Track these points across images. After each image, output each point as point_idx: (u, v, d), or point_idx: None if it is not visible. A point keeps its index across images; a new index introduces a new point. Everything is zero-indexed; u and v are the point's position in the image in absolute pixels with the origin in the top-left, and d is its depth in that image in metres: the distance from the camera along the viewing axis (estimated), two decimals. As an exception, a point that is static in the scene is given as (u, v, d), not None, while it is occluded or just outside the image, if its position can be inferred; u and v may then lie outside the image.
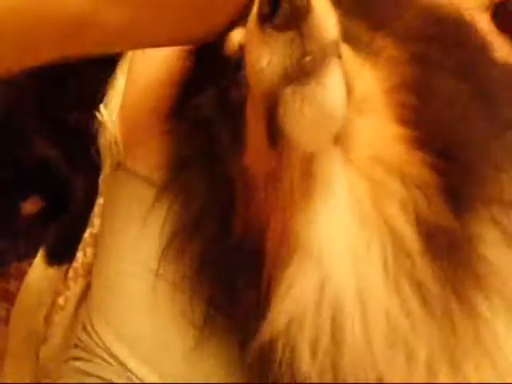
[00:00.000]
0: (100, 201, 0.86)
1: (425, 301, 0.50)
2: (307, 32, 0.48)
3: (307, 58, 0.48)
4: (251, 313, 0.54)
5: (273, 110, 0.50)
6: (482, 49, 0.60)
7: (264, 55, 0.49)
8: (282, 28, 0.47)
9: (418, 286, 0.50)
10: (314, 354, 0.51)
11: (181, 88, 0.66)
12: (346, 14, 0.53)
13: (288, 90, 0.49)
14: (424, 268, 0.50)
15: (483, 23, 0.71)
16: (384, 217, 0.52)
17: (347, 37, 0.53)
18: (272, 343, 0.52)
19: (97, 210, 0.86)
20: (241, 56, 0.55)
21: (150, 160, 0.70)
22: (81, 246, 0.89)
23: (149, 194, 0.66)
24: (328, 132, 0.52)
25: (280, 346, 0.51)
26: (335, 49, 0.50)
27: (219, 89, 0.58)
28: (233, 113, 0.57)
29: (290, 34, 0.48)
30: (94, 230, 0.86)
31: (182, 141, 0.64)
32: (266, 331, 0.52)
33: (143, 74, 0.77)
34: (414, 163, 0.53)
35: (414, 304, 0.50)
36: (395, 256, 0.51)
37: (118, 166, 0.75)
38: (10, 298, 1.03)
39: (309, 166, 0.53)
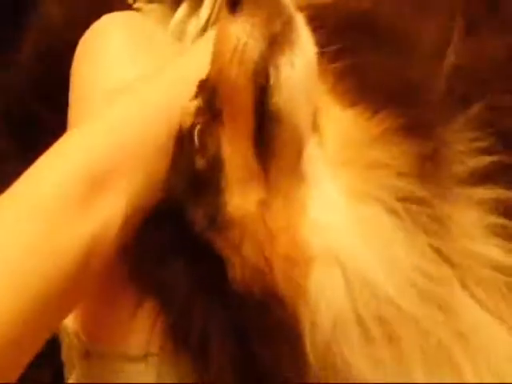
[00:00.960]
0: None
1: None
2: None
3: (278, 26, 0.50)
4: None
5: (264, 89, 0.52)
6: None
7: (241, 38, 0.51)
8: (252, 10, 0.50)
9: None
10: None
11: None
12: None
13: (277, 59, 0.51)
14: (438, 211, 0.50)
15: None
16: (381, 185, 0.52)
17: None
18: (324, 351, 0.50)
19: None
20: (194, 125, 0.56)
21: (122, 334, 0.67)
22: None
23: (129, 367, 0.66)
24: (311, 102, 0.54)
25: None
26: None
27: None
28: (204, 184, 0.56)
29: (259, 13, 0.50)
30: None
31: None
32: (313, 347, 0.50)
33: None
34: (379, 125, 0.54)
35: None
36: (408, 213, 0.50)
37: (87, 354, 0.71)
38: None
39: (297, 169, 0.54)
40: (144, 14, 0.96)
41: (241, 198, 0.54)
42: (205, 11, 0.96)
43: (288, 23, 0.52)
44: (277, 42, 0.51)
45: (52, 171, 0.57)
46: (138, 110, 0.63)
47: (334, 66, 0.57)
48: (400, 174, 0.52)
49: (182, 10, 0.98)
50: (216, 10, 0.95)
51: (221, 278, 0.54)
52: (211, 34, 0.64)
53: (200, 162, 0.56)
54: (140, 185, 0.60)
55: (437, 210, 0.50)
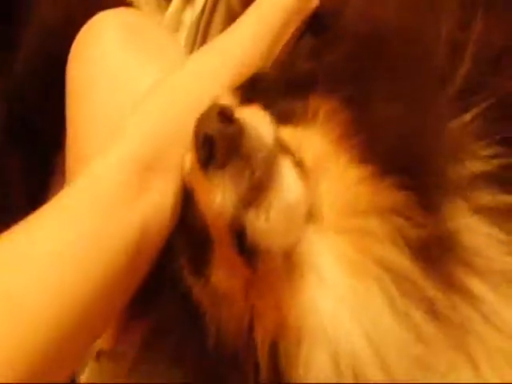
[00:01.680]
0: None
1: (439, 320, 0.50)
2: (248, 152, 0.49)
3: (257, 174, 0.49)
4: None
5: (241, 235, 0.51)
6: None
7: (216, 194, 0.50)
8: (224, 164, 0.49)
9: (428, 307, 0.50)
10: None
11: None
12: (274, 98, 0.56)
13: (251, 214, 0.50)
14: (428, 286, 0.50)
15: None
16: (375, 258, 0.51)
17: (283, 117, 0.55)
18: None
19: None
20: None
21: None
22: None
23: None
24: (297, 223, 0.53)
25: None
26: (278, 147, 0.51)
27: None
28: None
29: (233, 165, 0.49)
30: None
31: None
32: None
33: None
34: (383, 193, 0.53)
35: (429, 326, 0.49)
36: (399, 289, 0.50)
37: (98, 356, 0.72)
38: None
39: (290, 259, 0.53)
40: (139, 7, 0.96)
41: (226, 274, 0.55)
42: (199, 1, 0.96)
43: (268, 169, 0.50)
44: (254, 190, 0.50)
45: (105, 164, 0.60)
46: (171, 100, 0.65)
47: (342, 113, 0.56)
48: (399, 250, 0.51)
49: (177, 0, 0.98)
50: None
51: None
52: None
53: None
54: None
55: (429, 291, 0.50)
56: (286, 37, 0.72)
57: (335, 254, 0.53)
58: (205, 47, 0.72)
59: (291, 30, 0.73)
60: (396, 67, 0.59)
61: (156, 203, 0.59)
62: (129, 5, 0.96)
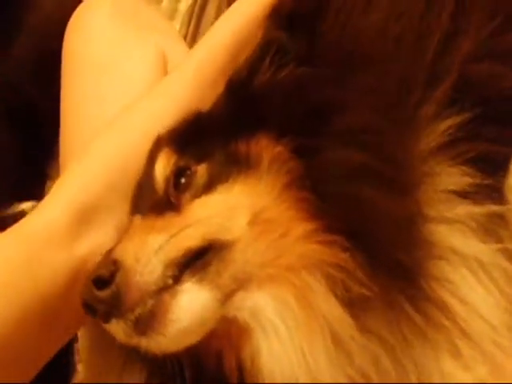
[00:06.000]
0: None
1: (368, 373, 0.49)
2: (130, 303, 0.50)
3: (142, 313, 0.50)
4: None
5: None
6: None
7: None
8: (108, 319, 0.51)
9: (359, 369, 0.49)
10: None
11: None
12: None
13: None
14: (362, 348, 0.49)
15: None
16: (317, 312, 0.50)
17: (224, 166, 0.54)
18: None
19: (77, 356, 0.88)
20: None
21: None
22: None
23: None
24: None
25: None
26: (167, 273, 0.51)
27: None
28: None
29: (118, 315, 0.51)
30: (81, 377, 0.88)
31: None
32: None
33: None
34: (326, 249, 0.50)
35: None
36: (335, 343, 0.49)
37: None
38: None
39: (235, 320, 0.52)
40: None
41: None
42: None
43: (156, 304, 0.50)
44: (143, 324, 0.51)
45: (46, 211, 0.63)
46: (120, 145, 0.66)
47: (290, 162, 0.52)
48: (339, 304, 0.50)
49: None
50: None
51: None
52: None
53: None
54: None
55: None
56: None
57: (279, 310, 0.52)
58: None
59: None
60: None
61: (95, 245, 0.61)
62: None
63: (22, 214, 0.80)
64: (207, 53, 0.67)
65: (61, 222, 0.61)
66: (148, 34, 0.80)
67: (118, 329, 0.51)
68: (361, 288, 0.49)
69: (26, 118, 1.09)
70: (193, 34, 0.92)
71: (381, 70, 0.55)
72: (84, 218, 0.61)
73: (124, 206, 0.62)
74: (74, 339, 0.84)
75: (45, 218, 0.62)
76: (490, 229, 0.49)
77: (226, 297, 0.51)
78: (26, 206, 0.98)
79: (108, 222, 0.62)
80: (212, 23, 0.75)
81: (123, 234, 0.57)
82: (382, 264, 0.49)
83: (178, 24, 0.94)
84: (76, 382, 0.90)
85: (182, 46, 0.83)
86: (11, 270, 0.59)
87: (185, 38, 0.93)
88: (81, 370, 0.89)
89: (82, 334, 0.82)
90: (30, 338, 0.60)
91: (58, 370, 0.93)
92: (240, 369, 0.53)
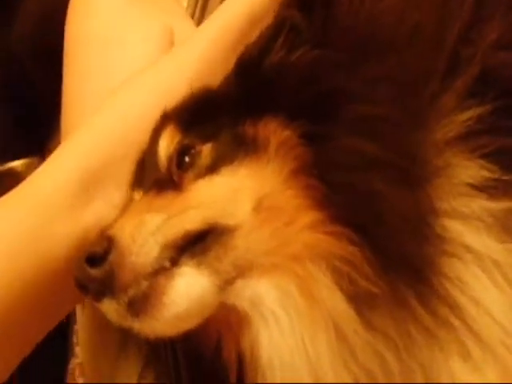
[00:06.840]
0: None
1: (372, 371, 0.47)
2: (123, 283, 0.48)
3: (136, 294, 0.48)
4: None
5: None
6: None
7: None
8: (100, 298, 0.50)
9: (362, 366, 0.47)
10: None
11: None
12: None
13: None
14: (366, 344, 0.47)
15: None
16: (320, 303, 0.48)
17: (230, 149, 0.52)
18: None
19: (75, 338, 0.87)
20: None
21: None
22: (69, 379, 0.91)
23: None
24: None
25: None
26: (164, 255, 0.49)
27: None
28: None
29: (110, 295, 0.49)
30: (79, 360, 0.87)
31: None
32: None
33: None
34: (333, 241, 0.48)
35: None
36: (338, 337, 0.47)
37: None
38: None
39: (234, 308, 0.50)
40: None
41: None
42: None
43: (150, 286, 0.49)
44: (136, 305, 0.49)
45: (49, 177, 0.62)
46: (121, 116, 0.65)
47: (299, 148, 0.50)
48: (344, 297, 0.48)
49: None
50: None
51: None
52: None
53: None
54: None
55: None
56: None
57: (280, 299, 0.50)
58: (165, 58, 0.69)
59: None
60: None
61: (100, 214, 0.60)
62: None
63: (11, 172, 0.79)
64: (219, 28, 0.65)
65: (68, 187, 0.60)
66: (155, 10, 0.78)
67: (110, 309, 0.50)
68: (367, 283, 0.47)
69: (24, 92, 1.08)
70: (201, 11, 0.90)
71: (397, 57, 0.53)
72: (89, 185, 0.60)
73: (129, 179, 0.62)
74: (73, 321, 0.84)
75: (53, 182, 0.60)
76: (507, 227, 0.46)
77: (226, 283, 0.49)
78: (15, 163, 0.96)
79: (112, 192, 0.61)
80: (220, 2, 0.73)
81: (121, 209, 0.55)
82: (390, 259, 0.47)
83: (185, 2, 0.92)
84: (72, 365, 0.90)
85: (189, 22, 0.81)
86: (13, 243, 0.57)
87: (192, 16, 0.91)
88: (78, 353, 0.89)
89: (79, 313, 0.81)
90: (28, 314, 0.58)
91: (56, 353, 0.93)
92: (239, 358, 0.51)
